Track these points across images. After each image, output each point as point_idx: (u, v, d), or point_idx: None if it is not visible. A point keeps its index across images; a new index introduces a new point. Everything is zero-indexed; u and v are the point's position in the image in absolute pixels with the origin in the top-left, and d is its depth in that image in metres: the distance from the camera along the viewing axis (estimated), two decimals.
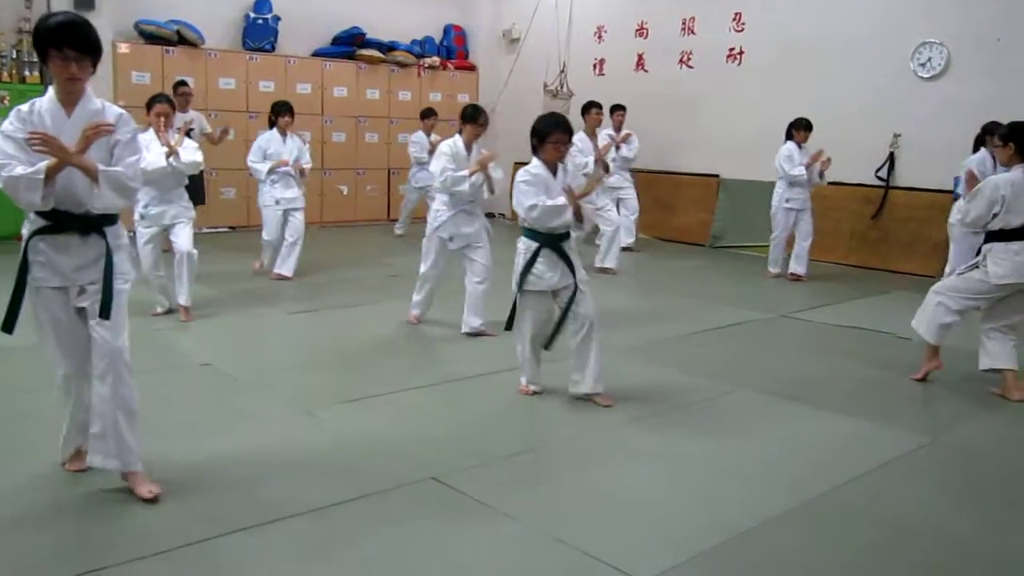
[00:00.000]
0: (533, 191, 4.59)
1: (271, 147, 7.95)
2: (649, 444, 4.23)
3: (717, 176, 11.28)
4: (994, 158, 7.38)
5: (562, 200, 4.55)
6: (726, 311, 7.24)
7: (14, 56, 9.72)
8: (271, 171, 7.91)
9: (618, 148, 9.60)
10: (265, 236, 8.15)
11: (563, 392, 4.85)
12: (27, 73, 9.73)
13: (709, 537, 3.23)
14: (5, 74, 9.66)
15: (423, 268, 6.35)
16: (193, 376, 5.16)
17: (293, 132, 8.07)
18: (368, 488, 3.55)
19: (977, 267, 5.16)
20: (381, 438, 4.18)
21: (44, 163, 3.11)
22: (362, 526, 3.26)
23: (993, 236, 5.04)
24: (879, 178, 9.64)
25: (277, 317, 6.74)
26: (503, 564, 3.04)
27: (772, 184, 8.93)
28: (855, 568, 3.08)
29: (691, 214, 11.51)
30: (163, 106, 6.19)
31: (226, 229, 11.24)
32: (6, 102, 9.36)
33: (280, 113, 7.98)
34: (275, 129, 8.01)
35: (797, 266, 8.75)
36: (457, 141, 6.16)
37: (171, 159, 6.12)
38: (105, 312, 3.29)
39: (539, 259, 4.63)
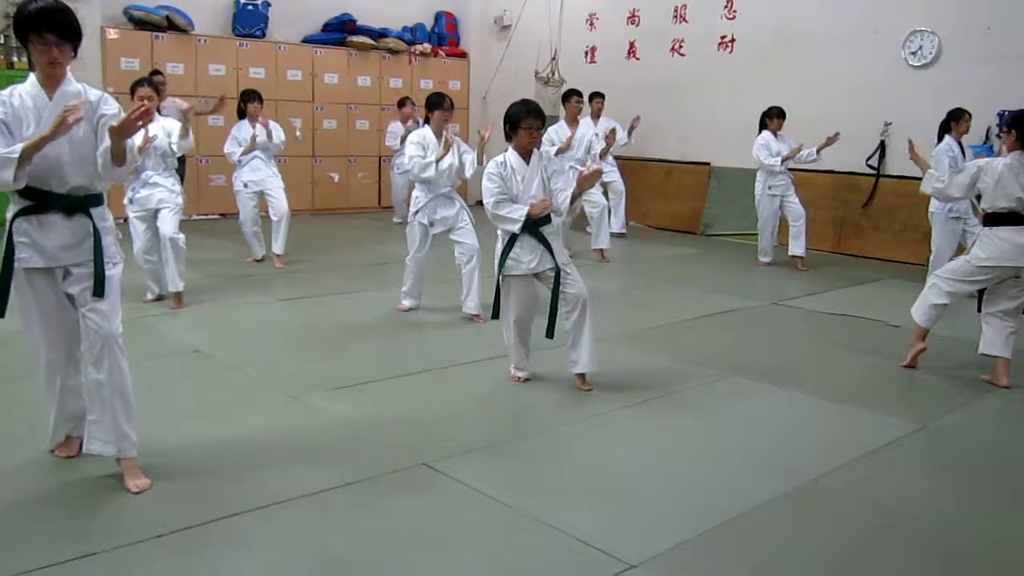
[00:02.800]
0: (492, 187, 4.62)
1: (241, 134, 7.98)
2: (639, 430, 4.24)
3: (708, 164, 11.28)
4: (960, 144, 7.48)
5: (517, 214, 4.56)
6: (717, 299, 7.25)
7: (2, 42, 9.65)
8: (244, 153, 7.93)
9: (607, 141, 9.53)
10: (240, 219, 8.18)
11: (554, 378, 4.86)
12: (15, 59, 9.66)
13: (699, 522, 3.25)
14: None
15: (409, 255, 6.40)
16: (184, 363, 5.15)
17: (264, 118, 8.05)
18: (359, 474, 3.55)
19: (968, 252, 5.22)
20: (372, 424, 4.18)
21: (20, 144, 3.11)
22: (353, 512, 3.26)
23: (987, 220, 5.09)
24: (870, 166, 9.66)
25: (269, 304, 6.72)
26: (493, 549, 3.04)
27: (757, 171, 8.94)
28: (844, 552, 3.10)
29: (682, 202, 11.51)
30: (146, 90, 6.13)
31: (216, 216, 11.20)
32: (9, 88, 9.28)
33: (249, 100, 8.01)
34: (246, 118, 8.02)
35: (796, 248, 8.72)
36: (426, 131, 6.25)
37: (171, 143, 6.22)
38: (99, 290, 3.28)
39: (517, 244, 4.64)
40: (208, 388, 4.71)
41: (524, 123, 4.60)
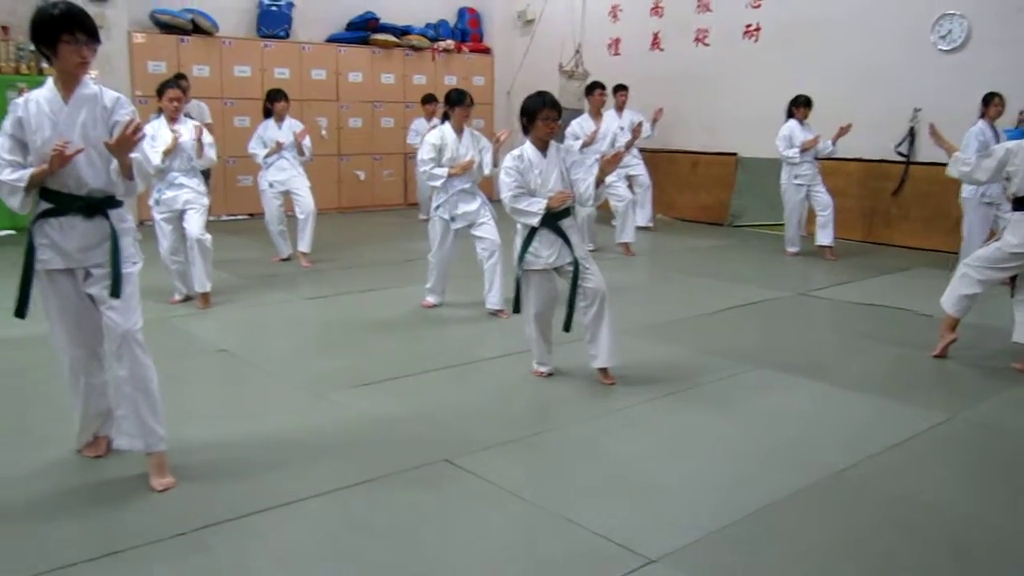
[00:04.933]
0: (510, 182, 4.61)
1: (267, 133, 8.02)
2: (662, 423, 4.22)
3: (735, 155, 11.18)
4: (993, 128, 7.37)
5: (535, 207, 4.55)
6: (744, 290, 7.19)
7: (32, 49, 9.77)
8: (267, 156, 7.98)
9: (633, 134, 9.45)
10: (266, 219, 8.23)
11: (577, 373, 4.85)
12: (44, 65, 9.78)
13: (721, 516, 3.22)
14: (24, 66, 9.73)
15: (431, 251, 6.42)
16: (209, 362, 5.20)
17: (302, 133, 8.06)
18: (381, 470, 3.57)
19: (999, 239, 5.13)
20: (394, 421, 4.20)
21: (28, 171, 3.23)
22: (374, 508, 3.27)
23: (1017, 205, 5.01)
24: (899, 153, 9.52)
25: (294, 303, 6.77)
26: (514, 544, 3.04)
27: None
28: (867, 546, 3.06)
29: (709, 193, 11.43)
30: (175, 91, 6.24)
31: (244, 216, 11.28)
32: (24, 93, 9.41)
33: (275, 100, 8.04)
34: (271, 117, 8.06)
35: (823, 237, 8.61)
36: (444, 129, 6.28)
37: (193, 157, 6.32)
38: (115, 291, 3.32)
39: (535, 238, 4.62)
40: (233, 387, 4.76)
41: (541, 114, 4.58)
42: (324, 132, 10.78)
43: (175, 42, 10.90)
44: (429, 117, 10.97)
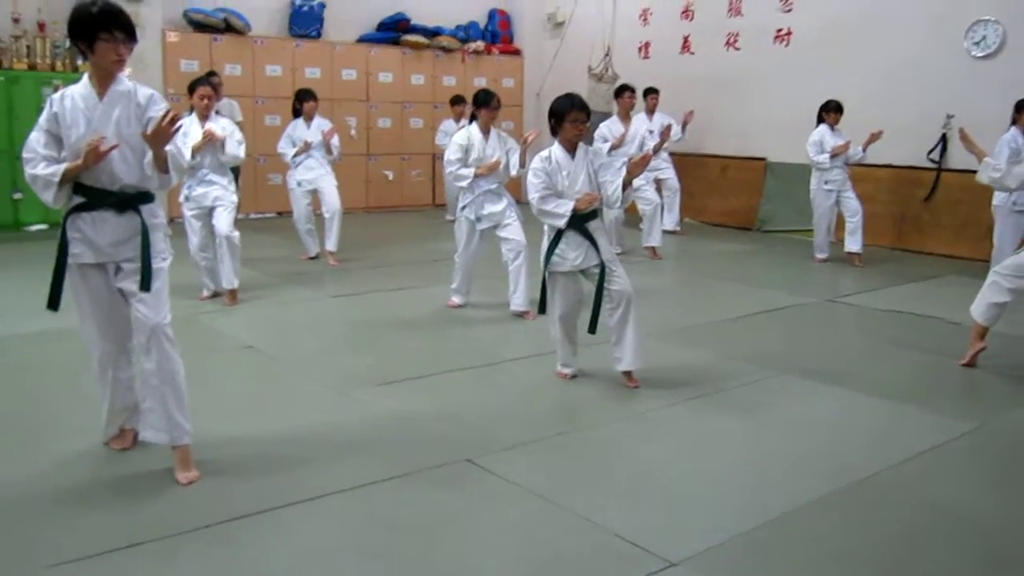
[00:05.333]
0: (537, 183, 4.61)
1: (296, 133, 8.08)
2: (686, 427, 4.20)
3: (764, 159, 11.12)
4: None
5: (562, 209, 4.54)
6: (771, 295, 7.15)
7: (67, 46, 9.91)
8: (295, 155, 8.05)
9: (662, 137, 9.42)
10: (294, 217, 8.30)
11: (601, 375, 4.84)
12: (80, 62, 9.91)
13: (742, 521, 3.21)
14: (59, 63, 9.87)
15: (457, 251, 6.45)
16: (236, 358, 5.25)
17: (331, 132, 8.12)
18: (403, 468, 3.58)
19: None
20: (417, 420, 4.21)
21: (63, 166, 3.28)
22: (396, 505, 3.29)
23: None
24: (931, 160, 9.43)
25: (320, 300, 6.81)
26: (535, 545, 3.04)
27: None
28: (892, 554, 3.03)
29: (738, 198, 11.37)
30: (206, 88, 6.31)
31: (273, 215, 11.37)
32: (59, 90, 9.55)
33: (304, 100, 8.12)
34: (300, 116, 8.12)
35: (852, 244, 8.53)
36: (471, 129, 6.30)
37: (217, 151, 6.35)
38: (145, 285, 3.36)
39: (562, 240, 4.62)
40: (259, 383, 4.79)
41: (569, 116, 4.57)
42: (354, 132, 10.84)
43: (208, 41, 11.01)
44: (458, 118, 11.01)
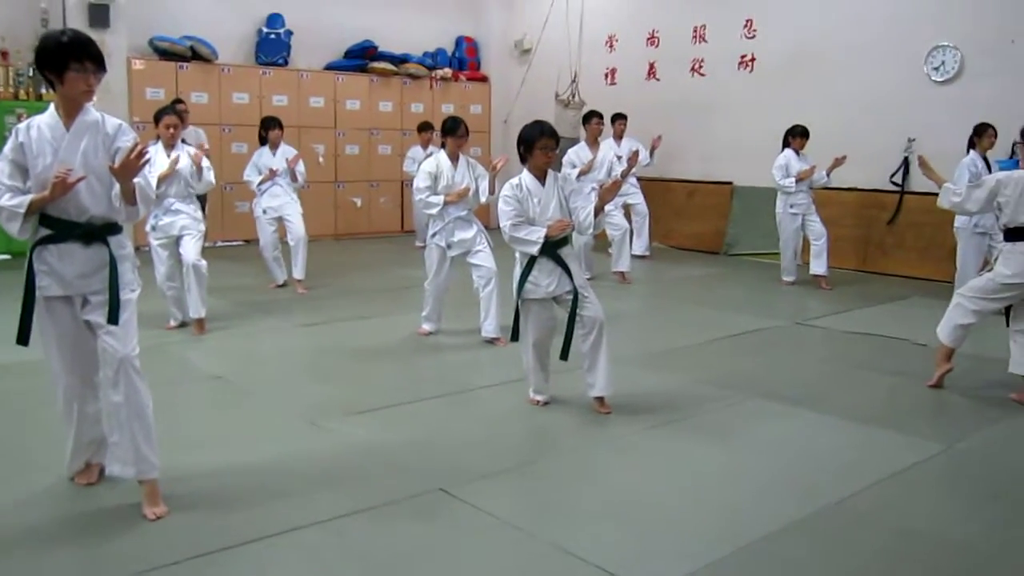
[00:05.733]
0: (508, 210, 4.61)
1: (261, 160, 8.10)
2: (660, 453, 4.20)
3: (730, 183, 11.24)
4: (985, 159, 7.43)
5: (534, 236, 4.54)
6: (740, 319, 7.19)
7: (30, 74, 9.81)
8: (261, 183, 8.06)
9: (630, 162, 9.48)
10: (261, 245, 8.29)
11: (574, 401, 4.83)
12: (44, 91, 9.81)
13: (720, 547, 3.20)
14: (22, 92, 9.77)
15: (428, 279, 6.42)
16: (204, 389, 5.18)
17: (295, 159, 8.12)
18: (376, 500, 3.54)
19: (992, 268, 5.15)
20: (389, 449, 4.17)
21: (28, 197, 3.24)
22: (370, 538, 3.25)
23: (1008, 235, 5.03)
24: (894, 183, 9.57)
25: (289, 330, 6.75)
26: (510, 574, 3.01)
27: None
28: None
29: (705, 222, 11.46)
30: (172, 118, 6.28)
31: (240, 243, 11.29)
32: (23, 119, 9.43)
33: (269, 128, 8.15)
34: (266, 144, 8.12)
35: (817, 267, 8.63)
36: (439, 157, 6.29)
37: (191, 177, 6.32)
38: (113, 318, 3.31)
39: (535, 267, 4.62)
40: (227, 414, 4.73)
41: (539, 143, 4.59)
42: (321, 159, 10.82)
43: (174, 69, 10.96)
44: (425, 145, 11.04)
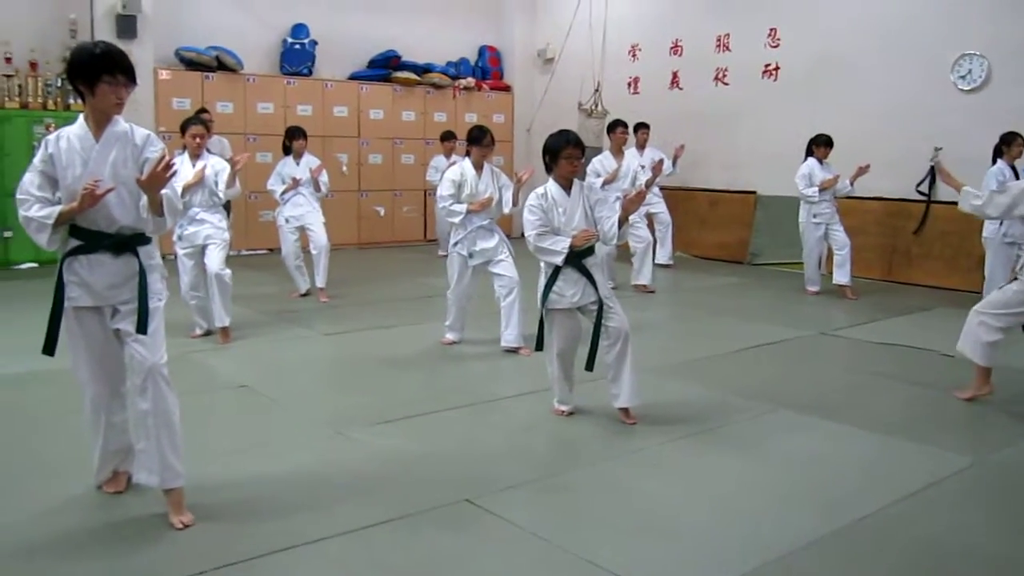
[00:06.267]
0: (533, 220, 4.59)
1: (285, 170, 8.14)
2: (684, 465, 4.18)
3: (754, 193, 11.19)
4: (1013, 168, 7.35)
5: (559, 246, 4.52)
6: (764, 329, 7.15)
7: (59, 85, 9.94)
8: (284, 192, 8.09)
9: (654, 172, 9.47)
10: (283, 254, 8.33)
11: (598, 412, 4.82)
12: (72, 101, 9.93)
13: (744, 561, 3.18)
14: (51, 102, 9.89)
15: (449, 289, 6.42)
16: (229, 398, 5.21)
17: (318, 169, 8.15)
18: (402, 510, 3.54)
19: (1016, 279, 5.07)
20: (415, 459, 4.18)
21: (57, 208, 3.26)
22: (396, 548, 3.25)
23: None
24: (920, 192, 9.49)
25: (314, 338, 6.78)
26: None
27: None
28: None
29: (729, 231, 11.42)
30: (198, 128, 6.32)
31: (264, 251, 11.36)
32: (51, 129, 9.56)
33: (293, 137, 8.17)
34: (290, 154, 8.17)
35: (841, 276, 8.57)
36: (465, 165, 6.29)
37: (219, 187, 6.34)
38: (142, 327, 3.34)
39: (559, 277, 4.60)
40: (253, 423, 4.75)
41: (564, 153, 4.58)
42: (345, 168, 10.87)
43: (200, 79, 11.07)
44: (448, 154, 11.09)
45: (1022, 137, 7.49)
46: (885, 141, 9.33)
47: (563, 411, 4.84)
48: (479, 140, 6.28)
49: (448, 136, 11.25)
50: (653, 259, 9.11)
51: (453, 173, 6.33)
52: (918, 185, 9.47)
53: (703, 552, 3.27)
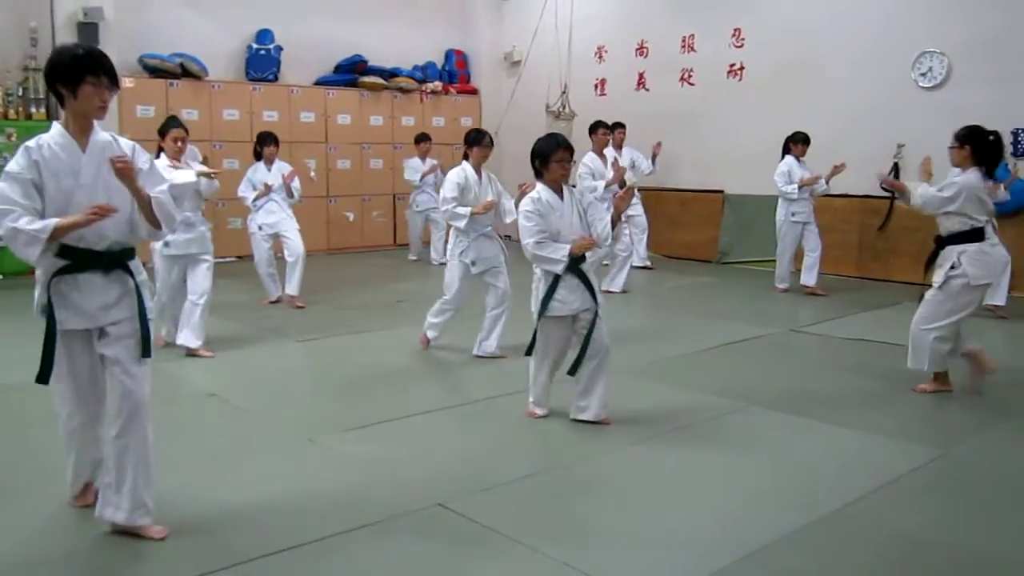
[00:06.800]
0: (531, 227, 4.53)
1: (256, 176, 8.06)
2: (657, 464, 4.20)
3: (721, 192, 11.27)
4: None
5: (559, 255, 4.48)
6: (734, 327, 7.20)
7: (20, 94, 9.80)
8: (256, 199, 8.01)
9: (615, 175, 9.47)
10: (256, 261, 8.22)
11: (569, 414, 4.82)
12: (33, 110, 9.81)
13: (719, 557, 3.20)
14: (12, 111, 9.75)
15: (448, 295, 6.20)
16: (199, 407, 5.16)
17: (291, 175, 8.10)
18: (374, 516, 3.53)
19: (945, 284, 5.16)
20: (387, 465, 4.16)
21: (53, 222, 3.03)
22: (369, 554, 3.24)
23: (963, 238, 5.12)
24: (884, 189, 9.58)
25: (283, 346, 6.73)
26: None
27: (777, 198, 8.90)
28: None
29: (697, 231, 11.49)
30: (179, 131, 6.09)
31: (232, 259, 11.25)
32: (13, 139, 9.44)
33: (265, 143, 8.10)
34: (261, 160, 8.10)
35: (809, 278, 8.70)
36: (466, 168, 6.14)
37: (200, 182, 6.12)
38: (147, 350, 3.25)
39: (560, 284, 4.55)
40: (223, 433, 4.71)
41: (555, 156, 4.53)
42: (313, 174, 10.84)
43: (164, 86, 10.95)
44: (423, 156, 11.08)
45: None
46: (849, 139, 9.43)
47: (537, 413, 4.83)
48: (479, 141, 6.12)
49: (423, 138, 11.21)
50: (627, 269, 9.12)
51: (456, 176, 6.10)
52: (882, 182, 9.56)
53: (679, 550, 3.29)
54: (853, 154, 9.15)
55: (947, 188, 5.20)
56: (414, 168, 11.12)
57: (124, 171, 3.11)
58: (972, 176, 5.17)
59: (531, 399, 4.87)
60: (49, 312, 3.16)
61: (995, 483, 4.00)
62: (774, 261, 9.08)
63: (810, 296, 8.61)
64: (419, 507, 3.62)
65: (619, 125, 10.20)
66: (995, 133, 5.34)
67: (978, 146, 5.22)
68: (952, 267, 5.14)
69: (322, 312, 7.94)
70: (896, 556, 3.24)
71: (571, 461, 4.24)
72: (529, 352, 4.76)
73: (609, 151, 9.67)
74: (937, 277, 5.22)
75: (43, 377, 3.17)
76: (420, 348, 6.44)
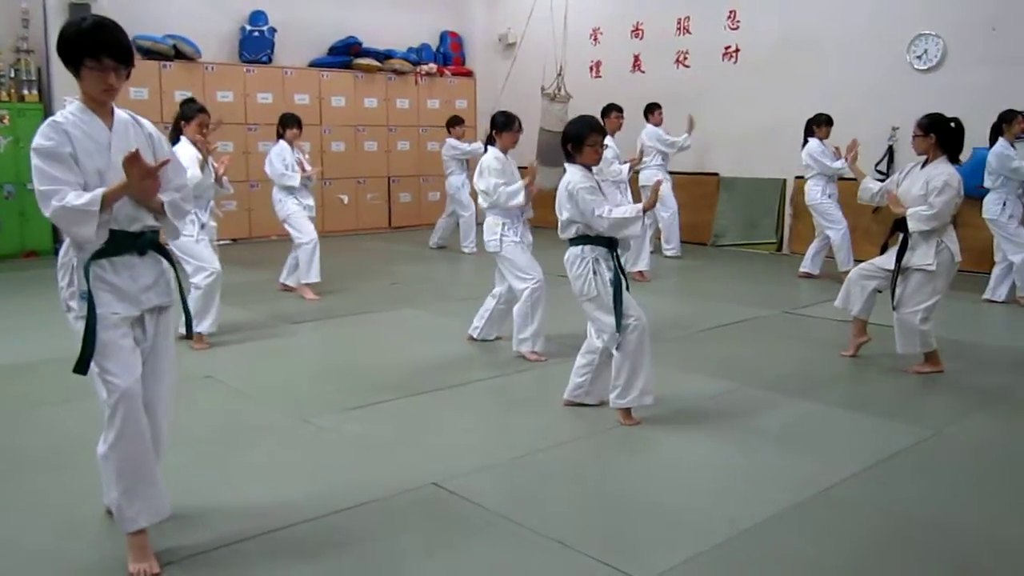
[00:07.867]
0: (598, 199, 4.37)
1: (286, 157, 7.85)
2: (651, 444, 4.22)
3: (716, 175, 11.27)
4: (1013, 146, 7.40)
5: (633, 211, 4.34)
6: (728, 309, 7.22)
7: (12, 75, 9.75)
8: (304, 179, 7.82)
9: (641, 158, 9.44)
10: (306, 240, 7.82)
11: (563, 393, 4.83)
12: (25, 92, 9.76)
13: (714, 534, 3.22)
14: (4, 93, 9.69)
15: (525, 284, 5.66)
16: (195, 388, 5.15)
17: (307, 167, 7.98)
18: (369, 495, 3.54)
19: (926, 268, 5.27)
20: (381, 445, 4.18)
21: (100, 191, 2.79)
22: (363, 533, 3.25)
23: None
24: (879, 172, 9.61)
25: (281, 327, 6.73)
26: (503, 568, 3.02)
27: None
28: (860, 563, 3.06)
29: (692, 213, 11.45)
30: (206, 116, 5.89)
31: (228, 241, 11.23)
32: (5, 121, 9.40)
33: (288, 125, 7.91)
34: (283, 141, 7.92)
35: (814, 267, 8.75)
36: (499, 152, 5.92)
37: (217, 182, 6.06)
38: (190, 330, 3.18)
39: (602, 265, 4.46)
40: (218, 414, 4.71)
41: (588, 140, 4.43)
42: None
43: (157, 68, 10.90)
44: (459, 139, 10.92)
45: (1022, 114, 7.53)
46: (845, 122, 9.38)
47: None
48: (508, 126, 5.91)
49: (456, 121, 10.99)
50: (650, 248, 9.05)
51: (495, 162, 5.84)
52: (876, 165, 9.59)
53: (672, 527, 3.31)
54: (848, 137, 9.05)
55: (940, 196, 5.21)
56: (453, 145, 10.79)
57: (150, 184, 2.88)
58: (953, 178, 5.25)
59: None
60: (90, 300, 2.87)
61: (987, 462, 4.03)
62: (769, 244, 9.10)
63: (805, 279, 8.62)
64: (414, 486, 3.64)
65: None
66: (956, 120, 5.39)
67: (942, 134, 5.30)
68: (938, 245, 5.18)
69: (318, 294, 7.90)
70: (888, 533, 3.27)
71: (564, 441, 4.25)
72: (618, 328, 4.44)
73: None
74: (921, 260, 5.23)
75: (82, 366, 2.86)
76: (466, 343, 6.14)
